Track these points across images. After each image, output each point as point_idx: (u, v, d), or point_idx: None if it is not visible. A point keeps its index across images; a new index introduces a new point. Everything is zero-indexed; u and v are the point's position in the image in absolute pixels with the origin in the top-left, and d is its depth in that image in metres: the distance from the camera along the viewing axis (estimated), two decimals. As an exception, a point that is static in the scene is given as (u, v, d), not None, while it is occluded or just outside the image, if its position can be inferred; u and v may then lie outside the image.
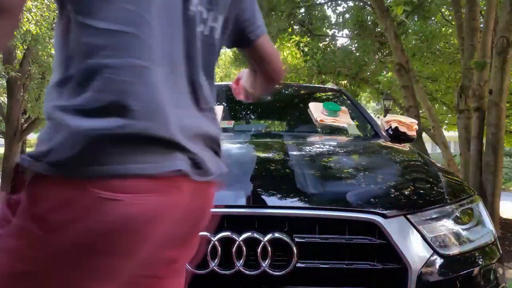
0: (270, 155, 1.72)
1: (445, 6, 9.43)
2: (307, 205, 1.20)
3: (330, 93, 3.22)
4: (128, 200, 0.62)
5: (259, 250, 1.10)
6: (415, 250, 1.15)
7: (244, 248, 1.10)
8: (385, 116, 2.56)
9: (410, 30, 9.84)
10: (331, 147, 1.97)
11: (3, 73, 10.49)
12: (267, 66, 1.04)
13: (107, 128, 0.61)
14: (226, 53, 20.34)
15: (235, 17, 0.89)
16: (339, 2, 10.72)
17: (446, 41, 10.10)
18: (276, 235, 1.11)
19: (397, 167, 1.64)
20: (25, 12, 9.05)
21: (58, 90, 0.66)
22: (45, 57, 10.00)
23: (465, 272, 1.20)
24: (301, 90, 3.51)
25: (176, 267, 0.79)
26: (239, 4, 0.88)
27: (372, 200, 1.23)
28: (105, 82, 0.63)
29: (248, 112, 3.13)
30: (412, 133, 2.34)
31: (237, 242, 1.11)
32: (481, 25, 6.75)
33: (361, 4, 10.05)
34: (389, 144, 2.04)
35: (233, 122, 2.59)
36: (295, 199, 1.22)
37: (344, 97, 3.03)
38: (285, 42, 11.67)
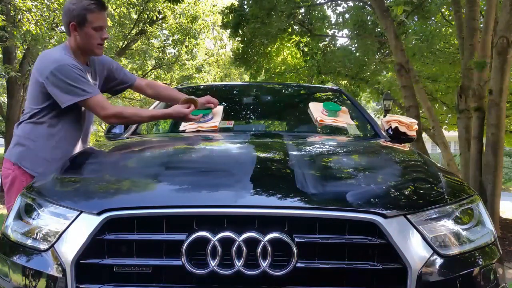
0: (270, 155, 1.72)
1: (445, 6, 9.42)
2: (307, 205, 1.20)
3: (330, 93, 3.22)
4: None
5: (259, 250, 1.10)
6: (415, 250, 1.15)
7: (244, 248, 1.10)
8: (385, 116, 2.56)
9: (410, 30, 9.84)
10: (331, 147, 1.97)
11: (3, 73, 10.49)
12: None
13: None
14: (226, 53, 20.35)
15: None
16: (339, 2, 10.72)
17: (446, 41, 10.09)
18: (276, 235, 1.11)
19: (397, 167, 1.64)
20: (25, 12, 9.05)
21: None
22: (45, 57, 9.98)
23: (465, 272, 1.19)
24: (301, 90, 3.51)
25: None
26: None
27: (372, 200, 1.23)
28: None
29: (248, 112, 3.13)
30: (412, 133, 2.34)
31: (237, 242, 1.11)
32: (481, 25, 6.75)
33: (361, 4, 10.05)
34: (389, 144, 2.04)
35: (233, 122, 2.59)
36: (295, 199, 1.22)
37: (344, 97, 3.03)
38: (285, 42, 11.66)
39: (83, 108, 2.13)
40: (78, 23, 1.99)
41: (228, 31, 10.99)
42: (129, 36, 13.39)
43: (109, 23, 10.85)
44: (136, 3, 12.37)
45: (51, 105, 2.01)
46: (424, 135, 10.07)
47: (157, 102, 2.80)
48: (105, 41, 2.13)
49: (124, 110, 2.14)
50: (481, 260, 1.24)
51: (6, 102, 12.60)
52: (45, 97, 1.99)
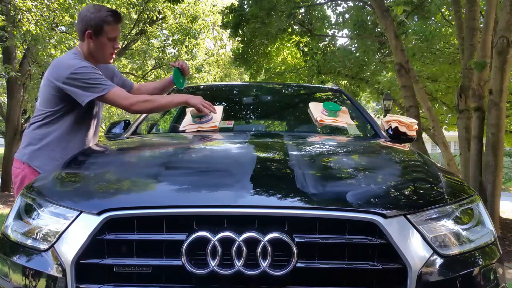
0: (270, 155, 1.72)
1: (445, 6, 9.43)
2: (307, 205, 1.20)
3: (330, 93, 3.22)
4: None
5: (259, 250, 1.10)
6: (415, 250, 1.15)
7: (244, 248, 1.10)
8: (385, 116, 2.56)
9: (410, 30, 9.84)
10: (331, 147, 1.97)
11: (3, 73, 10.50)
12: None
13: None
14: (226, 53, 20.34)
15: None
16: (339, 2, 10.72)
17: (446, 41, 10.09)
18: (276, 235, 1.11)
19: (397, 167, 1.64)
20: (25, 12, 9.05)
21: None
22: (45, 57, 10.01)
23: (465, 272, 1.19)
24: (301, 90, 3.51)
25: None
26: None
27: (372, 200, 1.22)
28: None
29: (248, 112, 3.13)
30: (412, 133, 2.34)
31: (237, 242, 1.11)
32: (481, 25, 6.75)
33: (361, 4, 10.05)
34: (389, 144, 2.04)
35: (233, 122, 2.59)
36: (295, 199, 1.22)
37: (344, 97, 3.03)
38: (285, 42, 11.66)
39: (93, 110, 2.21)
40: (94, 32, 2.05)
41: (228, 31, 11.00)
42: (129, 36, 13.39)
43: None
44: (136, 3, 12.37)
45: (63, 108, 2.08)
46: (424, 135, 10.06)
47: None
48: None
49: (145, 96, 2.17)
50: (481, 260, 1.24)
51: (6, 102, 12.60)
52: (58, 100, 2.06)
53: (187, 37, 14.56)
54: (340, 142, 2.15)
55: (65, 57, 2.15)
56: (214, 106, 2.43)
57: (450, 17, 9.55)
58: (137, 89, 2.48)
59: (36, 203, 1.32)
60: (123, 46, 13.32)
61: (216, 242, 1.10)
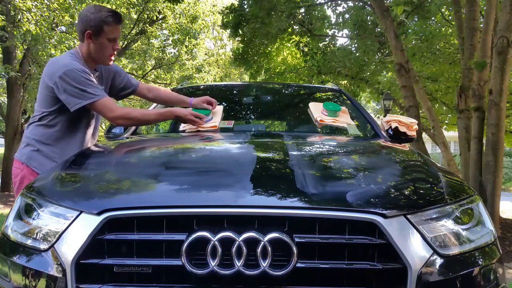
0: (270, 155, 1.72)
1: (445, 6, 9.42)
2: (307, 205, 1.20)
3: (330, 93, 3.22)
4: None
5: (259, 250, 1.10)
6: (415, 250, 1.15)
7: (244, 248, 1.10)
8: (385, 116, 2.56)
9: (410, 30, 9.84)
10: (331, 147, 1.97)
11: (3, 73, 10.50)
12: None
13: None
14: (226, 53, 20.35)
15: None
16: (339, 2, 10.72)
17: (446, 41, 10.09)
18: (276, 235, 1.11)
19: (397, 167, 1.64)
20: (25, 12, 9.05)
21: None
22: (45, 57, 10.00)
23: (465, 272, 1.19)
24: (301, 90, 3.51)
25: None
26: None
27: (372, 200, 1.22)
28: None
29: (248, 112, 3.13)
30: (412, 133, 2.34)
31: (237, 242, 1.11)
32: (481, 25, 6.75)
33: (361, 4, 10.05)
34: (389, 144, 2.04)
35: (233, 122, 2.59)
36: (295, 199, 1.22)
37: (344, 97, 3.03)
38: (285, 42, 11.66)
39: (91, 110, 2.18)
40: (94, 32, 2.04)
41: (228, 31, 11.00)
42: (129, 36, 13.39)
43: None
44: (136, 3, 12.37)
45: (60, 108, 2.07)
46: (424, 135, 10.07)
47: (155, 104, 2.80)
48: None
49: (131, 111, 2.19)
50: (481, 260, 1.24)
51: (6, 102, 12.60)
52: (54, 100, 2.05)
53: (187, 37, 14.57)
54: (340, 142, 2.15)
55: (61, 57, 2.14)
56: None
57: (450, 17, 9.55)
58: (147, 89, 2.46)
59: (36, 203, 1.32)
60: (123, 46, 13.32)
61: (216, 242, 1.10)
